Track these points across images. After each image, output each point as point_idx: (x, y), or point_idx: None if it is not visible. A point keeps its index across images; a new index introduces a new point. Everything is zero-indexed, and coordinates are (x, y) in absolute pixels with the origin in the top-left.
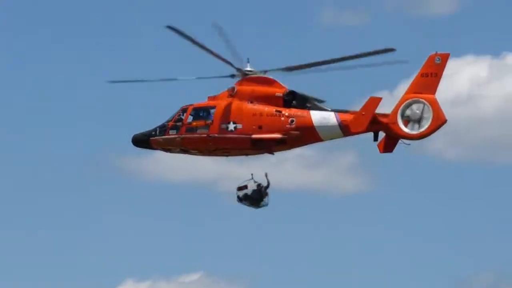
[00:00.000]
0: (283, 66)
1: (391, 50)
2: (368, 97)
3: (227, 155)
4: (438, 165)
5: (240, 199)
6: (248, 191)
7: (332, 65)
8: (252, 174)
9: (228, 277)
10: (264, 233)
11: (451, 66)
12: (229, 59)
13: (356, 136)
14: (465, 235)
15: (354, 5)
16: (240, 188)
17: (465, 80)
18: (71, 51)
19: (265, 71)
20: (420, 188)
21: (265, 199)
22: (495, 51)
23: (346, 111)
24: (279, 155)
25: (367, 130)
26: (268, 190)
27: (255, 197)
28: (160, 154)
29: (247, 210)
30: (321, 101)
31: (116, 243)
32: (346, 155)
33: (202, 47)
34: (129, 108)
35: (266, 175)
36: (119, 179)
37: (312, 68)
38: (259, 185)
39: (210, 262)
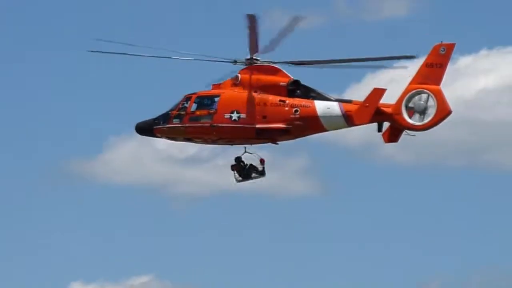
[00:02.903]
0: (291, 59)
1: (412, 57)
2: (372, 88)
3: (231, 144)
4: (389, 170)
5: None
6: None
7: (341, 64)
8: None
9: (178, 281)
10: (217, 236)
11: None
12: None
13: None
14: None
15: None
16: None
17: None
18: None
19: (273, 62)
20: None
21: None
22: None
23: (350, 101)
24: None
25: (371, 122)
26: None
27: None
28: (109, 156)
29: (198, 212)
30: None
31: (63, 245)
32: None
33: None
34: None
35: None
36: (69, 183)
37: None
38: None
39: (161, 265)
